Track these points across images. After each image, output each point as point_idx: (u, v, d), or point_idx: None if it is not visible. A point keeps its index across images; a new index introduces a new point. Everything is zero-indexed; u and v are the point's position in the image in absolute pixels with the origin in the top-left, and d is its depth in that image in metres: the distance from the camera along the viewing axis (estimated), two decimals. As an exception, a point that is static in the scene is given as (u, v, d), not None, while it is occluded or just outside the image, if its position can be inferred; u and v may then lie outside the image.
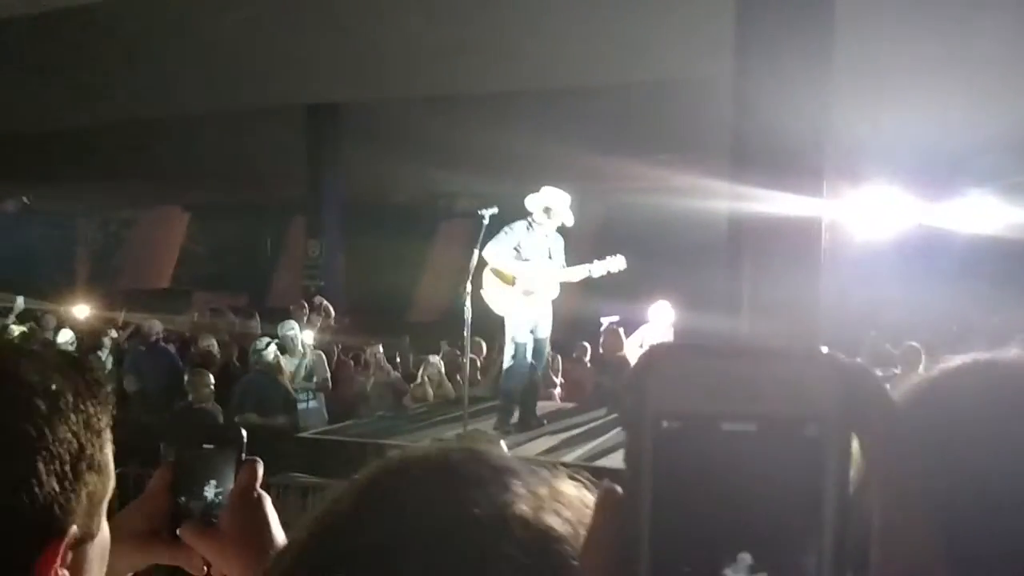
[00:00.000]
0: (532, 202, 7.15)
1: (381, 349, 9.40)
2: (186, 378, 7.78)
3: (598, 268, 7.18)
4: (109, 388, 0.95)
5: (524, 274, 7.12)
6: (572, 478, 0.63)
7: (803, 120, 5.14)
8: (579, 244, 7.53)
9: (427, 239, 16.95)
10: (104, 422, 0.90)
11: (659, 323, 9.76)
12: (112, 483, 0.92)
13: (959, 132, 9.57)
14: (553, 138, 10.33)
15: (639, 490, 0.39)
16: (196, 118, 12.62)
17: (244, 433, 1.15)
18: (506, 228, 7.17)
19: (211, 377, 7.57)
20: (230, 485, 1.12)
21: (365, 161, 13.10)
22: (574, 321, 11.00)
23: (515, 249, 7.11)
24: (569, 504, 0.58)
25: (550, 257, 7.20)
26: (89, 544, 0.87)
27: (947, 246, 10.99)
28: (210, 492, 1.14)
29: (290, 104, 12.45)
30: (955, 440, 0.68)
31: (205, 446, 1.14)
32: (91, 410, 0.88)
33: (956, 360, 0.77)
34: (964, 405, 0.72)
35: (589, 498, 0.59)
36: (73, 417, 0.85)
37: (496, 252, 7.08)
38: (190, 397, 7.45)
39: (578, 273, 7.25)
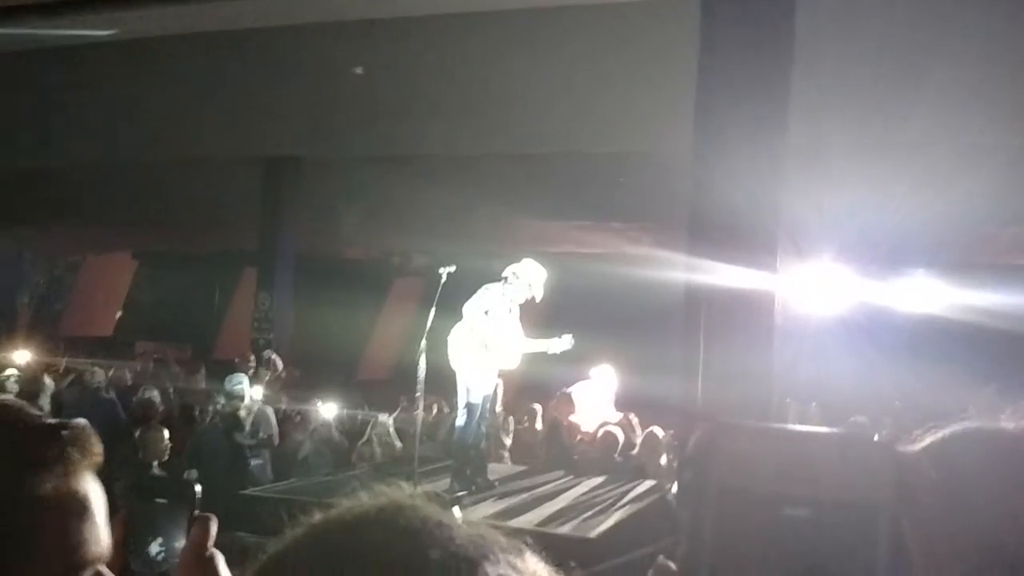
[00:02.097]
0: (513, 271, 7.30)
1: (320, 405, 9.29)
2: (137, 434, 7.55)
3: (555, 346, 7.38)
4: (86, 428, 0.95)
5: (495, 340, 7.19)
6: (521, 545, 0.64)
7: (759, 195, 5.29)
8: (532, 308, 7.62)
9: (380, 296, 16.90)
10: (87, 470, 0.90)
11: (600, 385, 9.85)
12: (104, 529, 0.91)
13: (903, 214, 9.89)
14: (510, 201, 10.46)
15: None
16: (152, 165, 12.52)
17: (198, 489, 1.13)
18: (483, 289, 7.28)
19: (166, 433, 7.34)
20: (180, 542, 1.09)
21: (321, 216, 13.09)
22: (523, 385, 11.02)
23: (487, 309, 7.22)
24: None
25: (512, 321, 7.33)
26: None
27: (890, 324, 11.29)
28: (154, 548, 1.11)
29: (249, 156, 12.44)
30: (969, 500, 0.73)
31: (157, 500, 1.12)
32: (73, 464, 0.88)
33: (957, 427, 0.81)
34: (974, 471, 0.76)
35: (532, 566, 0.61)
36: (53, 471, 0.85)
37: (473, 311, 7.19)
38: (140, 455, 7.22)
39: (537, 347, 7.43)
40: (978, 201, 9.38)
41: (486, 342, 7.16)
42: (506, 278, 7.32)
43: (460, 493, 6.77)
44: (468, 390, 7.33)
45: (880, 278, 11.53)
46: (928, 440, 0.82)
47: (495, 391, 7.71)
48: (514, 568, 0.58)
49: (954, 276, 11.53)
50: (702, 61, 5.62)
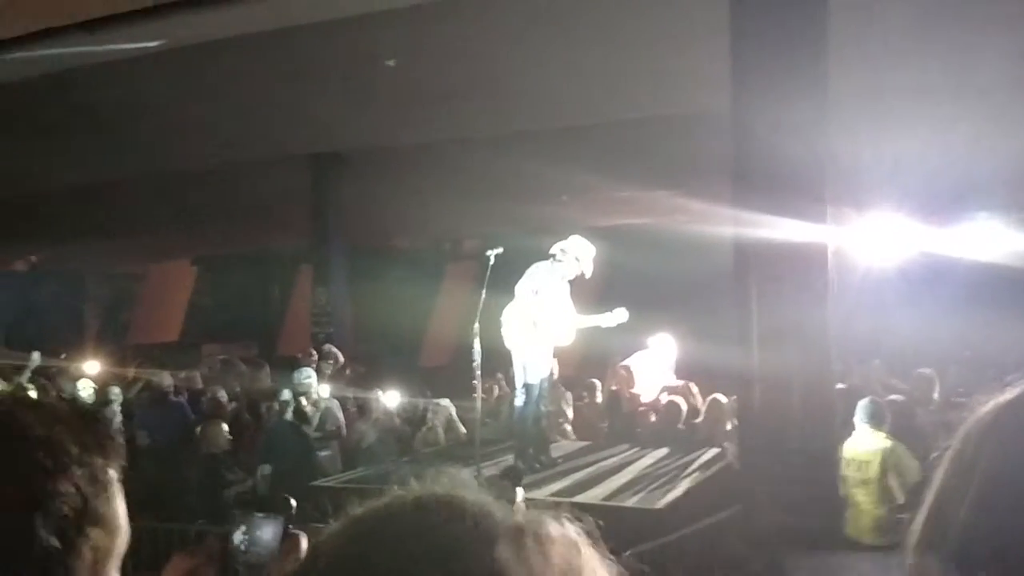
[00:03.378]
0: (561, 248, 7.29)
1: (381, 395, 9.39)
2: (199, 429, 7.77)
3: (608, 320, 7.39)
4: (119, 441, 0.95)
5: (546, 317, 7.20)
6: (560, 518, 0.63)
7: (804, 147, 5.16)
8: (585, 283, 7.59)
9: (434, 282, 16.99)
10: (111, 475, 0.89)
11: (658, 354, 9.78)
12: (123, 538, 0.90)
13: (962, 159, 9.58)
14: (555, 177, 10.40)
15: None
16: (200, 172, 12.74)
17: (293, 503, 1.22)
18: (533, 267, 7.30)
19: (225, 427, 7.57)
20: (264, 533, 1.21)
21: (369, 207, 13.18)
22: (582, 361, 10.98)
23: (538, 288, 7.23)
24: (554, 547, 0.58)
25: (565, 299, 7.33)
26: None
27: (951, 273, 10.95)
28: (238, 537, 1.23)
29: (294, 154, 12.57)
30: None
31: (257, 514, 1.21)
32: (97, 463, 0.86)
33: None
34: None
35: (573, 537, 0.60)
36: (77, 471, 0.84)
37: (524, 290, 7.21)
38: (203, 448, 7.45)
39: (590, 322, 7.44)
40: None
41: (536, 320, 7.17)
42: (554, 255, 7.33)
43: (522, 474, 6.76)
44: (524, 369, 7.36)
45: (941, 226, 11.19)
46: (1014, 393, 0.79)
47: (552, 369, 7.72)
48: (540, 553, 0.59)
49: (1018, 223, 11.15)
50: (735, 14, 5.49)
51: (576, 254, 7.32)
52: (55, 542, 0.82)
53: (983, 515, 0.73)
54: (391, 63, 8.88)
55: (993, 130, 8.93)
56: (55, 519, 0.82)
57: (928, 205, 10.94)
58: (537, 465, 7.42)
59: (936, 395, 7.45)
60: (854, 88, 7.81)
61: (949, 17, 7.73)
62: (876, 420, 5.63)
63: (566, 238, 7.43)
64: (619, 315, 7.38)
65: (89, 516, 0.85)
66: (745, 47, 5.48)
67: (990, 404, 0.79)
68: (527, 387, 7.38)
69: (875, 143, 8.81)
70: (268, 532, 1.22)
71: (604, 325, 7.44)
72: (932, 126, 9.02)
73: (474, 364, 7.20)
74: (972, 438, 0.78)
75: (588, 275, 7.41)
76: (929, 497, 0.78)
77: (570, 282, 7.41)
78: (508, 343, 7.33)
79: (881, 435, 5.54)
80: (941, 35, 7.97)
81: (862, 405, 5.77)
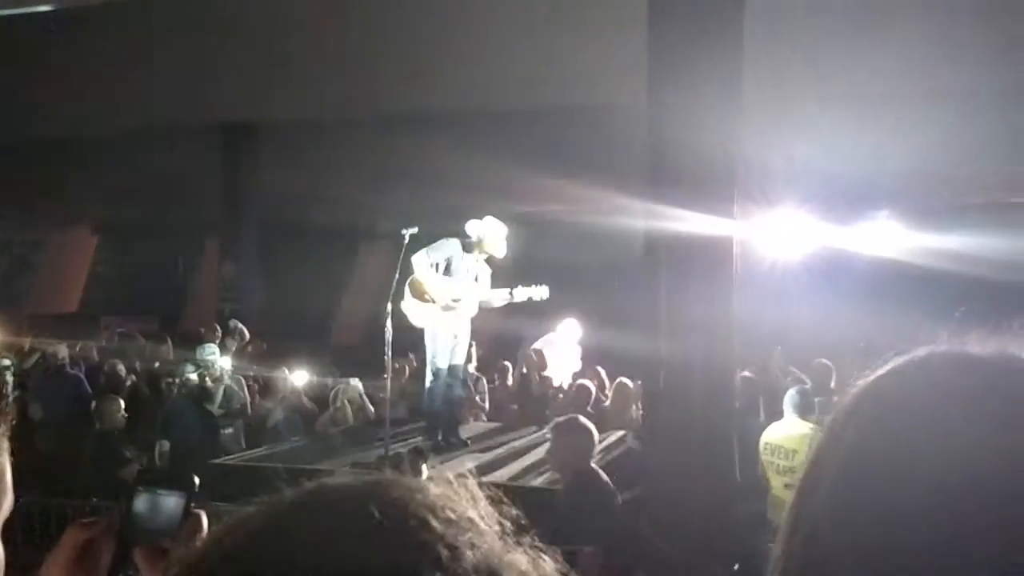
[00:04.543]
0: (471, 228, 7.28)
1: (288, 373, 9.26)
2: (93, 404, 7.53)
3: (520, 293, 7.33)
4: (7, 403, 0.93)
5: (445, 289, 7.17)
6: (490, 497, 0.64)
7: (715, 144, 5.29)
8: (497, 266, 7.62)
9: (347, 261, 16.79)
10: (1, 432, 0.88)
11: (567, 339, 9.94)
12: (7, 501, 0.89)
13: (864, 158, 9.96)
14: (471, 159, 10.39)
15: None
16: (107, 138, 12.28)
17: (196, 481, 1.20)
18: (440, 241, 7.25)
19: (121, 402, 7.36)
20: (175, 529, 1.17)
21: (282, 181, 12.92)
22: (494, 343, 11.05)
23: (445, 263, 7.20)
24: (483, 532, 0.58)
25: (476, 280, 7.30)
26: None
27: (851, 268, 11.41)
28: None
29: (204, 123, 12.22)
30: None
31: (158, 490, 1.17)
32: None
33: (920, 352, 0.77)
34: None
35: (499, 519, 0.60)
36: None
37: (422, 261, 7.16)
38: (97, 425, 7.23)
39: (500, 296, 7.37)
40: (937, 145, 9.47)
41: (439, 294, 7.15)
42: (465, 234, 7.33)
43: (429, 453, 6.75)
44: (432, 349, 7.37)
45: (842, 223, 11.63)
46: (887, 367, 0.77)
47: (466, 350, 7.69)
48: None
49: (915, 219, 11.66)
50: (653, 7, 5.57)
51: (485, 233, 7.31)
52: None
53: (837, 502, 0.70)
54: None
55: (890, 135, 9.33)
56: None
57: (830, 204, 11.36)
58: (443, 444, 7.43)
59: (832, 384, 7.76)
60: (765, 91, 8.04)
61: (853, 29, 8.05)
62: (804, 409, 5.76)
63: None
64: (539, 291, 7.34)
65: None
66: (662, 42, 5.57)
67: (855, 389, 0.77)
68: (433, 366, 7.38)
69: (782, 144, 9.10)
70: (169, 507, 1.19)
71: (518, 298, 7.34)
72: (835, 130, 9.37)
73: (386, 344, 7.16)
74: (836, 424, 0.75)
75: (499, 255, 7.40)
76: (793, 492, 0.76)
77: (486, 262, 7.41)
78: (412, 320, 7.30)
79: (808, 424, 5.68)
80: (845, 45, 8.29)
81: (790, 394, 5.91)
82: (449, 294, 7.17)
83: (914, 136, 9.24)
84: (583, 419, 5.03)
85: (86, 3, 8.02)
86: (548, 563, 0.60)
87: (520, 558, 0.59)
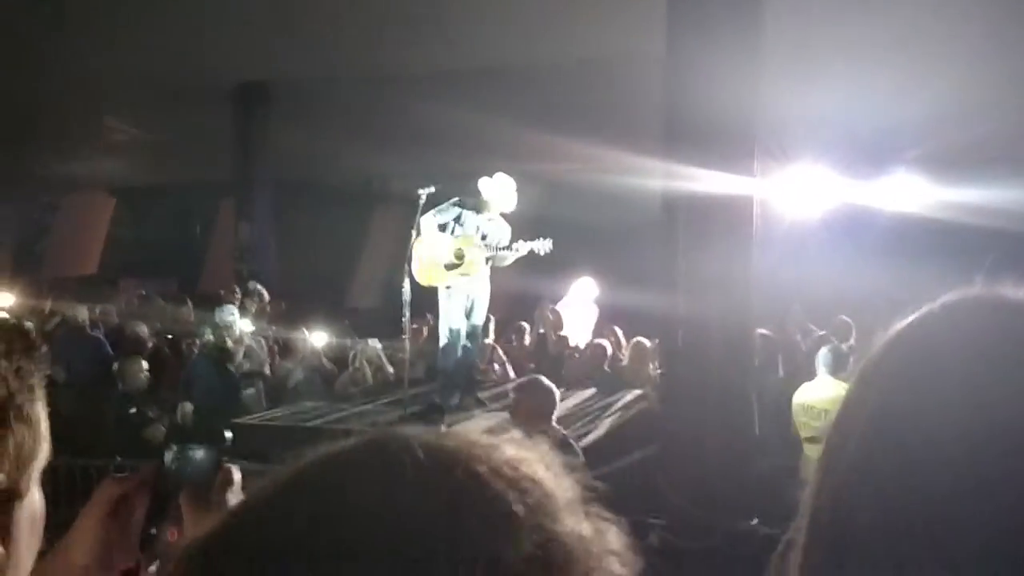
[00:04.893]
0: (481, 186, 7.26)
1: (307, 334, 9.32)
2: (116, 366, 7.62)
3: (523, 247, 7.21)
4: (44, 349, 0.95)
5: (447, 247, 7.15)
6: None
7: (734, 98, 5.21)
8: (512, 224, 7.58)
9: (363, 221, 16.78)
10: (36, 379, 0.90)
11: (581, 299, 9.95)
12: (45, 447, 0.91)
13: (885, 111, 9.81)
14: (486, 118, 10.31)
15: None
16: (119, 99, 12.26)
17: (228, 435, 1.22)
18: (448, 202, 7.24)
19: (144, 363, 7.44)
20: (208, 481, 1.19)
21: (296, 141, 12.89)
22: (511, 304, 11.06)
23: (454, 223, 7.17)
24: (518, 471, 0.57)
25: (483, 238, 7.23)
26: (17, 503, 0.86)
27: (873, 224, 11.29)
28: (168, 457, 1.21)
29: (218, 83, 12.17)
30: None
31: (190, 445, 1.20)
32: (23, 364, 0.88)
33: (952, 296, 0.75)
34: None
35: (529, 456, 0.58)
36: (4, 362, 0.86)
37: (429, 223, 7.16)
38: (120, 386, 7.31)
39: (505, 254, 7.24)
40: (960, 92, 9.29)
41: (442, 253, 7.12)
42: (477, 193, 7.30)
43: (444, 412, 6.76)
44: (443, 307, 7.38)
45: (862, 178, 11.48)
46: (915, 315, 0.75)
47: (484, 311, 7.65)
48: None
49: (937, 174, 11.48)
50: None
51: (493, 190, 7.25)
52: None
53: (864, 455, 0.69)
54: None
55: (911, 83, 9.15)
56: None
57: (850, 157, 11.21)
58: (455, 403, 7.44)
59: (852, 341, 7.73)
60: (782, 41, 7.89)
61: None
62: (836, 368, 5.72)
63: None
64: (542, 244, 7.17)
65: (13, 410, 0.88)
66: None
67: (882, 339, 0.75)
68: (447, 324, 7.39)
69: (799, 97, 8.96)
70: (202, 461, 1.20)
71: (522, 251, 7.21)
72: (855, 80, 9.21)
73: (404, 304, 7.18)
74: (863, 376, 0.74)
75: (508, 210, 7.32)
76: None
77: (501, 216, 7.34)
78: (421, 279, 7.28)
79: (841, 384, 5.62)
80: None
81: (822, 353, 5.86)
82: (451, 252, 7.15)
83: (935, 84, 9.06)
84: (544, 380, 5.09)
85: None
86: (613, 533, 0.59)
87: (587, 528, 0.58)
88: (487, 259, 7.23)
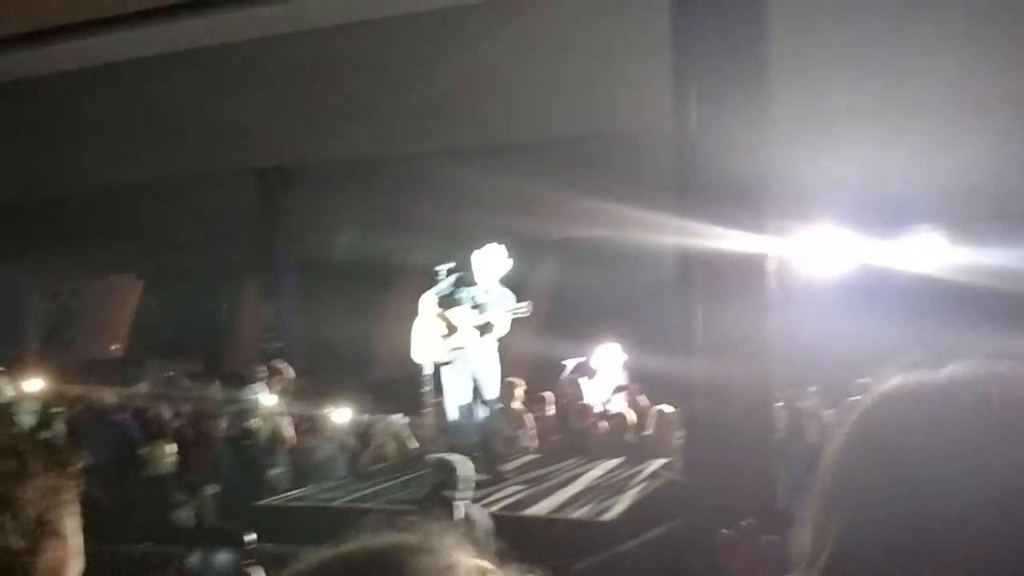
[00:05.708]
0: (473, 259, 7.28)
1: (331, 410, 9.34)
2: (144, 450, 7.66)
3: (505, 317, 7.18)
4: (77, 464, 0.98)
5: (439, 323, 7.13)
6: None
7: (745, 161, 5.28)
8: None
9: (384, 297, 16.89)
10: (69, 496, 0.93)
11: (607, 366, 9.90)
12: (79, 560, 0.93)
13: (902, 174, 9.85)
14: (502, 192, 10.45)
15: None
16: (145, 185, 12.56)
17: (248, 537, 1.23)
18: (444, 280, 7.23)
19: (171, 447, 7.47)
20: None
21: (317, 221, 13.12)
22: (533, 374, 11.03)
23: (450, 298, 7.15)
24: None
25: (475, 308, 7.19)
26: None
27: (892, 285, 11.21)
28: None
29: (239, 168, 12.47)
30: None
31: (212, 548, 1.22)
32: (56, 481, 0.91)
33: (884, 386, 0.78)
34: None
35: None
36: (41, 481, 0.89)
37: (427, 305, 7.18)
38: (149, 471, 7.34)
39: (487, 319, 7.19)
40: (978, 155, 9.31)
41: (437, 329, 7.10)
42: (471, 267, 7.29)
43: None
44: (447, 386, 7.34)
45: (880, 239, 11.45)
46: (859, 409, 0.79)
47: (495, 381, 7.56)
48: None
49: (955, 236, 11.43)
50: (675, 30, 5.59)
51: (483, 261, 7.24)
52: (21, 542, 0.86)
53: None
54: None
55: (929, 146, 9.21)
56: (21, 522, 0.86)
57: (869, 219, 11.20)
58: (487, 478, 7.37)
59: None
60: (796, 106, 8.00)
61: (886, 37, 7.97)
62: None
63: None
64: (523, 308, 7.14)
65: (49, 526, 0.89)
66: (686, 57, 5.58)
67: (865, 400, 0.78)
68: (455, 403, 7.34)
69: (817, 159, 9.02)
70: (226, 566, 1.23)
71: (513, 316, 7.17)
72: (872, 142, 9.27)
73: (424, 378, 7.19)
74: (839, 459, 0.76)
75: (499, 276, 7.25)
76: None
77: (497, 288, 7.29)
78: (416, 355, 7.27)
79: None
80: (878, 55, 8.21)
81: None
82: (443, 327, 7.12)
83: (954, 146, 9.10)
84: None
85: (129, 56, 8.24)
86: None
87: None
88: (479, 330, 7.18)
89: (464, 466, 5.13)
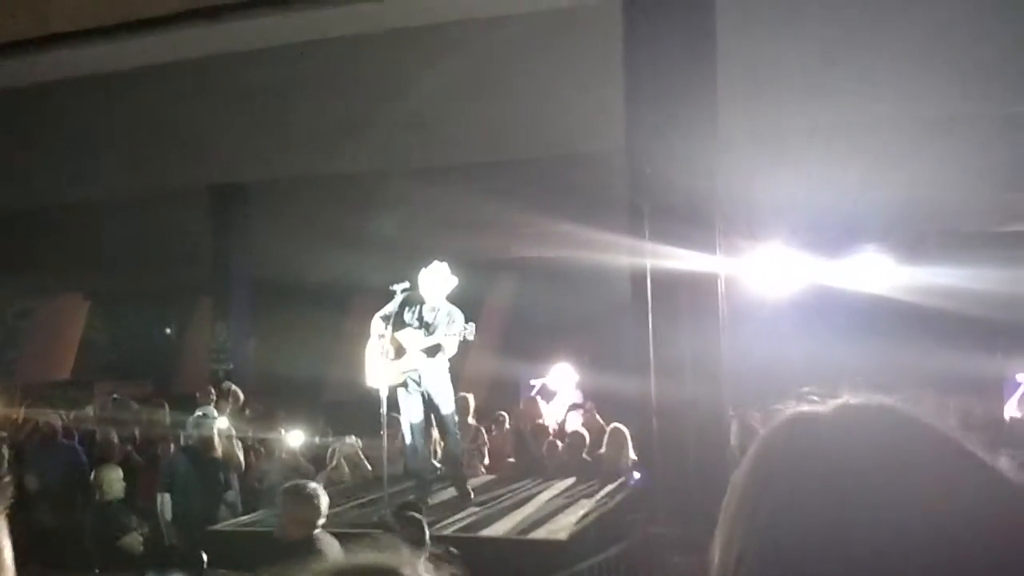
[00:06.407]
0: (419, 277, 7.19)
1: (283, 433, 9.23)
2: (94, 475, 7.49)
3: (451, 340, 7.04)
4: (5, 481, 0.96)
5: (385, 344, 7.03)
6: None
7: (696, 182, 5.38)
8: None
9: (339, 318, 16.77)
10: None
11: (559, 385, 9.96)
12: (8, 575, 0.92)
13: (850, 194, 10.05)
14: (457, 212, 10.49)
15: None
16: (95, 203, 12.36)
17: (204, 558, 1.22)
18: (393, 301, 7.11)
19: (119, 472, 7.32)
20: None
21: (271, 240, 13.00)
22: (488, 394, 11.04)
23: (397, 319, 7.05)
24: None
25: (422, 327, 7.15)
26: None
27: (842, 304, 11.43)
28: None
29: (192, 186, 12.33)
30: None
31: (168, 571, 1.20)
32: None
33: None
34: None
35: None
36: None
37: (376, 328, 7.11)
38: (98, 496, 7.19)
39: (434, 342, 7.07)
40: (926, 174, 9.54)
41: (387, 352, 7.00)
42: (416, 286, 7.21)
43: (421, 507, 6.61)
44: (402, 407, 7.25)
45: (831, 258, 11.68)
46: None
47: (449, 400, 7.46)
48: None
49: (905, 255, 11.69)
50: (628, 53, 5.69)
51: (427, 279, 7.12)
52: None
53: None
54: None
55: (878, 166, 9.42)
56: None
57: (818, 237, 11.42)
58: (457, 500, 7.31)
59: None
60: (747, 127, 8.16)
61: (835, 60, 8.17)
62: None
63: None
64: (468, 330, 6.97)
65: None
66: (637, 80, 5.68)
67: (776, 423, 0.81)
68: (407, 425, 7.26)
69: (767, 179, 9.18)
70: None
71: (454, 338, 7.05)
72: (820, 163, 9.46)
73: (381, 400, 7.12)
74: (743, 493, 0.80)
75: (441, 297, 7.13)
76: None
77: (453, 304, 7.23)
78: (367, 379, 7.19)
79: None
80: (828, 77, 8.40)
81: None
82: (390, 348, 7.00)
83: (902, 167, 9.31)
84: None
85: (80, 73, 8.13)
86: None
87: None
88: (427, 352, 7.15)
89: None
